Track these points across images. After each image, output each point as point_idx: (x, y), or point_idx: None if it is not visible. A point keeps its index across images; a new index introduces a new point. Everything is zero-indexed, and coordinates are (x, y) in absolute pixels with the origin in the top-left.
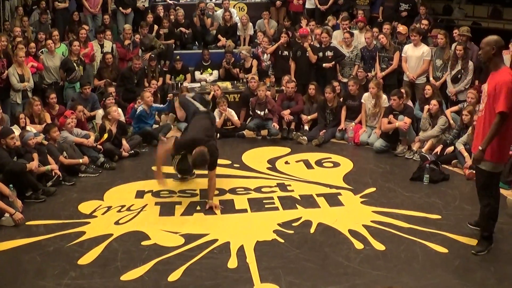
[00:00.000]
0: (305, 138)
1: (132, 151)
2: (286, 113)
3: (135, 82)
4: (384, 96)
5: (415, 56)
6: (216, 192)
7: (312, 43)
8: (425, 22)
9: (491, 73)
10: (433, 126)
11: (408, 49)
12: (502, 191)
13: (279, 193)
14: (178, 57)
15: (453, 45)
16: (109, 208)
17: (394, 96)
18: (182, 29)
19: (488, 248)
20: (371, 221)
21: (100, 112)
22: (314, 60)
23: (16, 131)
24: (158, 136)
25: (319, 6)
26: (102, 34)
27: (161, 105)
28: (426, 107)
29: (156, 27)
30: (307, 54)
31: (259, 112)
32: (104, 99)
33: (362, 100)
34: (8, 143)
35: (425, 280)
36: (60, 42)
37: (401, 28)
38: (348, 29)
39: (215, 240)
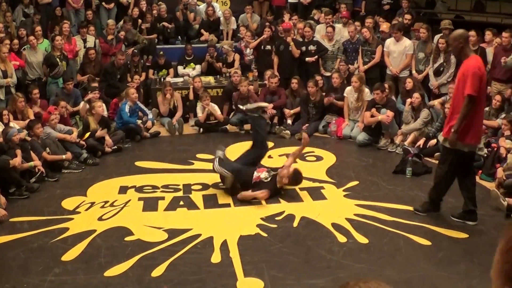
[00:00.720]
0: (288, 132)
1: (115, 147)
2: (269, 107)
3: (118, 78)
4: (367, 90)
5: (397, 50)
6: (199, 187)
7: (295, 37)
8: (407, 16)
9: (462, 63)
10: (416, 119)
11: (390, 43)
12: (485, 183)
13: None
14: (161, 52)
15: (435, 38)
16: (92, 204)
17: (376, 90)
18: (165, 23)
19: (428, 212)
20: (354, 215)
21: (82, 104)
22: (297, 55)
23: (0, 127)
24: (141, 132)
25: (301, 0)
26: (85, 29)
27: (146, 110)
28: (408, 100)
29: (139, 21)
30: (290, 49)
31: (241, 107)
32: (88, 92)
33: (345, 94)
34: None
35: (408, 273)
36: (43, 38)
37: (384, 26)
38: (331, 24)
39: (199, 235)
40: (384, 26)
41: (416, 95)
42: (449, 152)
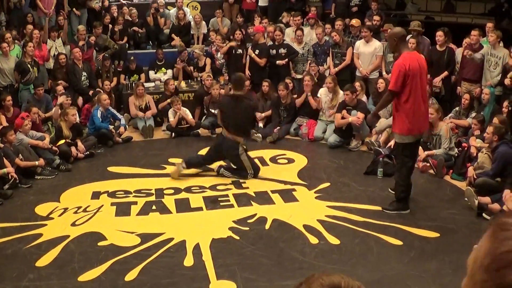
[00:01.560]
0: (260, 135)
1: (88, 152)
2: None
3: (84, 77)
4: (342, 92)
5: (367, 52)
6: (171, 191)
7: (265, 41)
8: (376, 18)
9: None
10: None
11: (360, 45)
12: (457, 183)
13: (234, 191)
14: (132, 57)
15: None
16: (65, 209)
17: (347, 91)
18: (135, 28)
19: (398, 211)
20: (326, 216)
21: (54, 109)
22: (262, 64)
23: None
24: (113, 137)
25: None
26: (55, 33)
27: (119, 115)
28: None
29: (110, 26)
30: (256, 52)
31: (213, 110)
32: (56, 95)
33: (319, 95)
34: None
35: (380, 272)
36: (14, 44)
37: (354, 21)
38: (299, 26)
39: (171, 239)
40: (354, 21)
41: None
42: (398, 146)
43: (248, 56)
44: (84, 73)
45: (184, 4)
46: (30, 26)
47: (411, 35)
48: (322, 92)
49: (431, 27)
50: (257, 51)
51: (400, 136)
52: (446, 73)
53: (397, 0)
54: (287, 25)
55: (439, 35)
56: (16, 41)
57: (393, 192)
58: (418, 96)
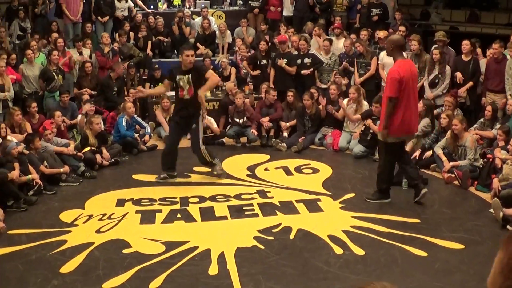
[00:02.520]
0: (284, 145)
1: (113, 160)
2: (265, 120)
3: (115, 91)
4: (365, 103)
5: (391, 62)
6: (196, 199)
7: (290, 50)
8: (402, 28)
9: None
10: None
11: (385, 56)
12: (482, 194)
13: (259, 200)
14: (156, 65)
15: (431, 50)
16: (90, 216)
17: (376, 103)
18: (160, 37)
19: (379, 201)
20: (351, 226)
21: (80, 117)
22: (293, 72)
23: None
24: (138, 145)
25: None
26: (80, 43)
27: (144, 123)
28: None
29: (132, 34)
30: (282, 66)
31: (237, 120)
32: (81, 104)
33: (343, 104)
34: None
35: (404, 284)
36: (39, 52)
37: (381, 34)
38: (319, 36)
39: (196, 247)
40: (381, 34)
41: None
42: (382, 144)
43: (271, 66)
44: (115, 86)
45: (209, 13)
46: (55, 34)
47: (436, 45)
48: (347, 103)
49: (456, 38)
50: (285, 61)
51: (393, 138)
52: (471, 83)
53: (421, 10)
54: (311, 35)
55: (465, 44)
56: (43, 48)
57: (370, 200)
58: (409, 103)
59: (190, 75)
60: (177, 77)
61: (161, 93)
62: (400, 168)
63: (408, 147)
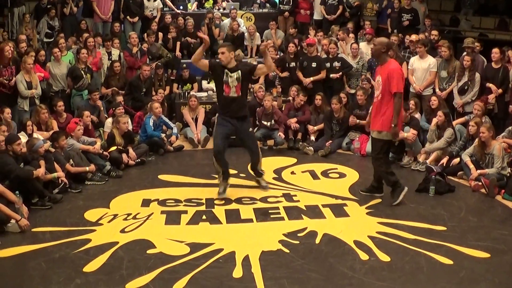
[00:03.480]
0: (311, 148)
1: (139, 160)
2: (292, 121)
3: (143, 91)
4: None
5: (421, 68)
6: (222, 201)
7: (319, 53)
8: (434, 32)
9: (378, 67)
10: (440, 138)
11: (415, 61)
12: (508, 203)
13: (285, 203)
14: (185, 65)
15: (461, 57)
16: (115, 216)
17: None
18: (189, 39)
19: (402, 194)
20: (377, 232)
21: (109, 121)
22: (323, 77)
23: (23, 138)
24: (164, 145)
25: (326, 16)
26: (109, 42)
27: (171, 124)
28: (434, 120)
29: (161, 35)
30: (314, 65)
31: (265, 122)
32: (113, 108)
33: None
34: (15, 149)
35: None
36: (67, 50)
37: (413, 37)
38: (343, 40)
39: (221, 250)
40: (413, 37)
41: (440, 113)
42: (378, 143)
43: (299, 68)
44: (144, 86)
45: (238, 15)
46: (86, 34)
47: (466, 52)
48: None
49: (485, 45)
50: (314, 64)
51: (387, 134)
52: (500, 90)
53: (451, 17)
54: (338, 39)
55: (495, 52)
56: (73, 45)
57: (365, 193)
58: (403, 99)
59: (239, 72)
60: (224, 74)
61: (199, 54)
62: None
63: (433, 155)
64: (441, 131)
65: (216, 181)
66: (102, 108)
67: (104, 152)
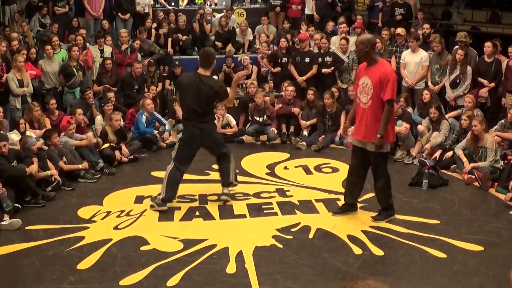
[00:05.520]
0: (304, 143)
1: (132, 156)
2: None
3: (136, 88)
4: None
5: (413, 61)
6: (215, 197)
7: (311, 48)
8: (426, 26)
9: (366, 67)
10: (433, 131)
11: (407, 55)
12: (502, 196)
13: (278, 199)
14: (177, 62)
15: (453, 50)
16: (108, 213)
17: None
18: (180, 35)
19: (388, 218)
20: (370, 227)
21: (99, 118)
22: (314, 72)
23: (16, 136)
24: (157, 142)
25: (315, 14)
26: (102, 39)
27: (164, 120)
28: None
29: (154, 32)
30: (307, 60)
31: (258, 118)
32: (102, 104)
33: None
34: (1, 150)
35: (423, 285)
36: (60, 48)
37: (400, 30)
38: (345, 34)
39: (214, 246)
40: (399, 30)
41: (432, 110)
42: (380, 156)
43: (291, 63)
44: (136, 83)
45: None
46: (82, 30)
47: (458, 46)
48: None
49: (477, 38)
50: (307, 59)
51: (387, 145)
52: (493, 84)
53: (442, 10)
54: (332, 33)
55: (488, 45)
56: (61, 43)
57: (379, 221)
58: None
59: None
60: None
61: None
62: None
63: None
64: (436, 124)
65: (209, 177)
66: (94, 106)
67: (99, 140)
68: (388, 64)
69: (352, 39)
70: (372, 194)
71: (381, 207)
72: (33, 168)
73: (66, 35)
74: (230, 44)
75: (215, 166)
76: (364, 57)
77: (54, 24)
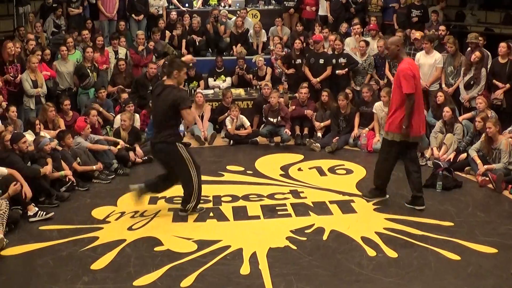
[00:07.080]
0: (318, 145)
1: (146, 157)
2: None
3: (150, 89)
4: None
5: (427, 63)
6: (229, 198)
7: (325, 50)
8: (442, 27)
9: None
10: (447, 133)
11: (421, 57)
12: None
13: (292, 200)
14: (191, 64)
15: (466, 51)
16: (122, 213)
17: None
18: (194, 36)
19: (378, 199)
20: (384, 228)
21: (118, 118)
22: (329, 74)
23: (30, 136)
24: None
25: (329, 15)
26: (116, 41)
27: None
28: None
29: (168, 33)
30: (321, 62)
31: (271, 119)
32: (123, 105)
33: (374, 110)
34: (21, 147)
35: (437, 287)
36: (74, 49)
37: (417, 34)
38: (359, 34)
39: (228, 247)
40: (417, 34)
41: (446, 109)
42: (391, 144)
43: (305, 65)
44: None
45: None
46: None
47: (469, 47)
48: (377, 107)
49: (491, 39)
50: (321, 61)
51: (398, 135)
52: (508, 86)
53: (456, 12)
54: (346, 35)
55: (502, 46)
56: (80, 43)
57: (367, 198)
58: (419, 99)
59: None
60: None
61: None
62: (407, 173)
63: (441, 151)
64: (449, 126)
65: (223, 178)
66: (105, 109)
67: (112, 148)
68: (405, 61)
69: (369, 41)
70: (386, 196)
71: (373, 186)
72: (48, 168)
73: (80, 36)
74: (239, 45)
75: (229, 168)
76: (396, 56)
77: (67, 25)
